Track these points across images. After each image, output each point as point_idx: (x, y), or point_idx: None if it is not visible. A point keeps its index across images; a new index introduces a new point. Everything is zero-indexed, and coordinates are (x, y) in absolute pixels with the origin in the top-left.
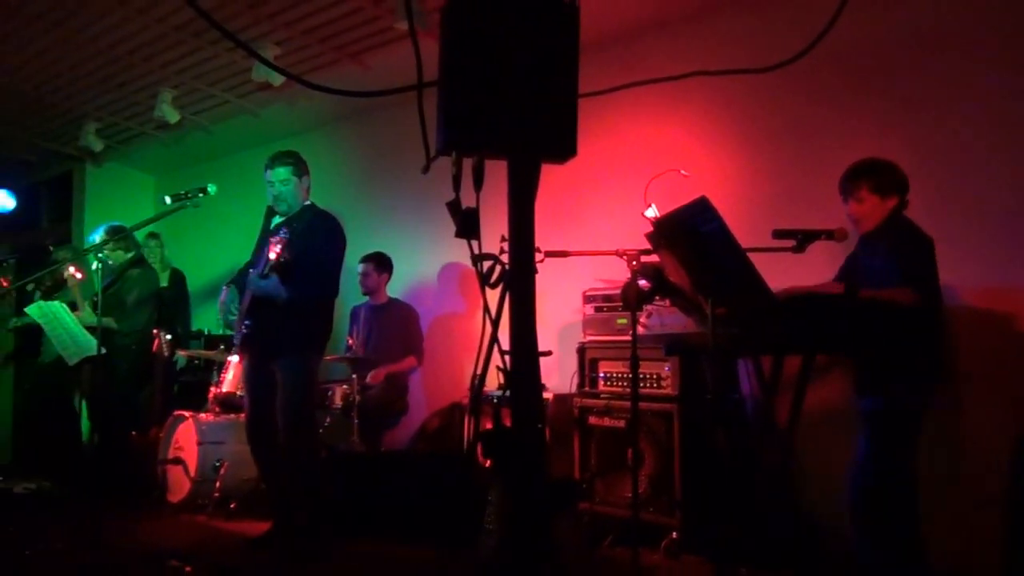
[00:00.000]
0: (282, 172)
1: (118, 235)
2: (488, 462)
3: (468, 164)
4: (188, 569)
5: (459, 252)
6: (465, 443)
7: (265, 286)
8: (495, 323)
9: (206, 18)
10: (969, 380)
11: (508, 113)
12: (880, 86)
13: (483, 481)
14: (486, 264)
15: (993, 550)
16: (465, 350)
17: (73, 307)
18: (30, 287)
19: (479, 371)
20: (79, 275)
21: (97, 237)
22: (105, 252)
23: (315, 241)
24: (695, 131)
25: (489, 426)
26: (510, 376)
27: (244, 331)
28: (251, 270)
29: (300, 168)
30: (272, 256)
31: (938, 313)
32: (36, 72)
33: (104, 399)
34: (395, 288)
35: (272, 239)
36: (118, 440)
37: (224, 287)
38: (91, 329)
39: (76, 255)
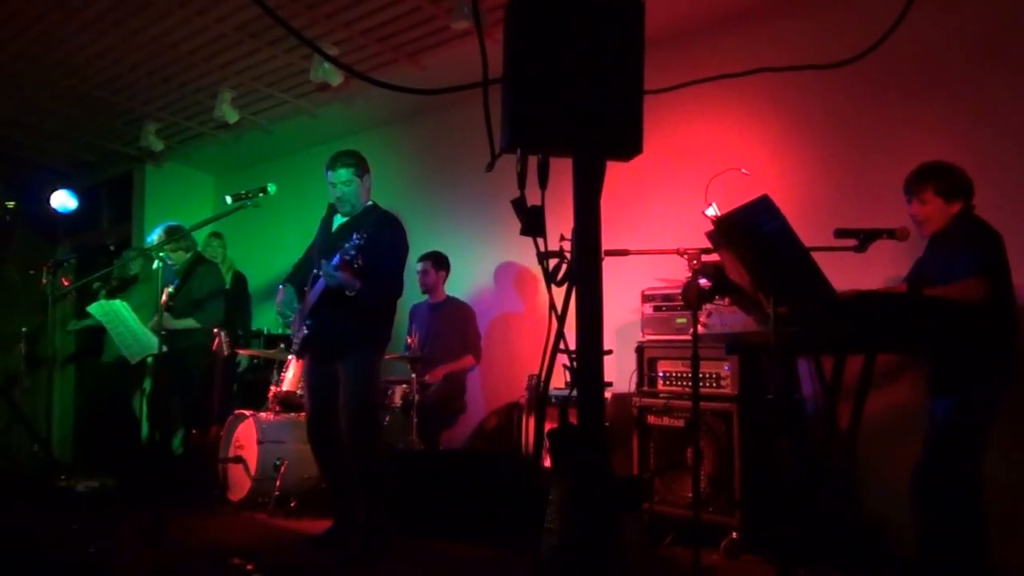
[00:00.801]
0: (344, 173)
1: (176, 235)
2: (549, 461)
3: (532, 162)
4: (250, 567)
5: (517, 251)
6: (524, 442)
7: (340, 277)
8: (560, 321)
9: (272, 15)
10: None
11: (573, 111)
12: (941, 87)
13: (544, 480)
14: (551, 262)
15: None
16: (523, 350)
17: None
18: (96, 285)
19: (545, 369)
20: (66, 283)
21: (155, 237)
22: (166, 252)
23: (383, 245)
24: (756, 130)
25: (552, 425)
26: (577, 374)
27: (306, 331)
28: (323, 261)
29: (361, 168)
30: (346, 258)
31: (1011, 310)
32: (97, 72)
33: (180, 397)
34: (453, 288)
35: (347, 244)
36: (184, 438)
37: (280, 287)
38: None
39: (143, 255)
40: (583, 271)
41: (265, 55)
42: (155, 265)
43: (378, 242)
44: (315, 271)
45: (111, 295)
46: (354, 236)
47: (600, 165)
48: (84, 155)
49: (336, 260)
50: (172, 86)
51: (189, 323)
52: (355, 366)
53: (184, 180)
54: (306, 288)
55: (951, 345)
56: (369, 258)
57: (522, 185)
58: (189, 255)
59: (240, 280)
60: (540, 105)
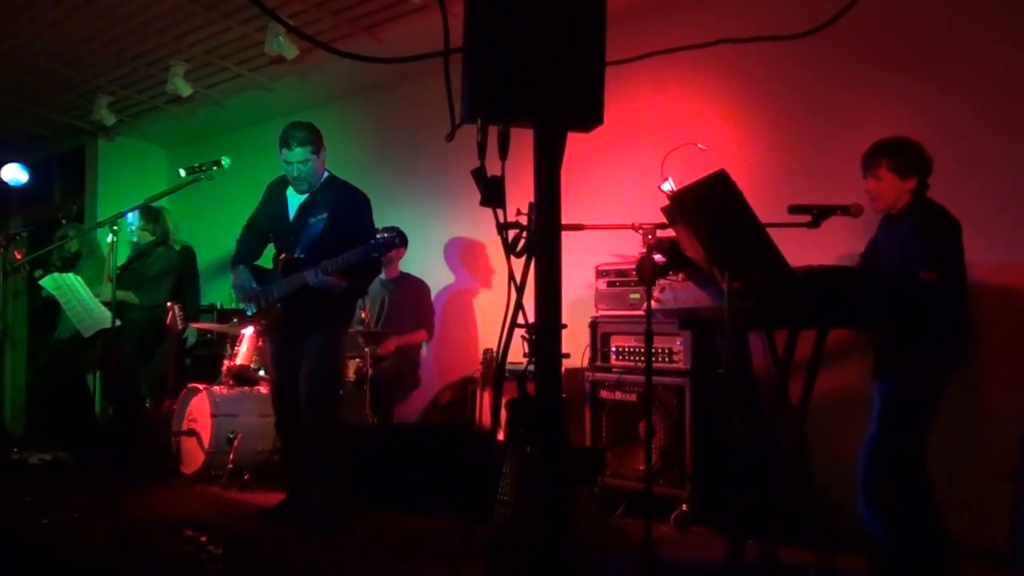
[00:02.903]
0: (300, 153)
1: (150, 218)
2: (503, 435)
3: (492, 133)
4: (203, 539)
5: (470, 227)
6: (478, 416)
7: (329, 283)
8: (520, 291)
9: None
10: (985, 357)
11: (534, 80)
12: (901, 62)
13: (499, 453)
14: (511, 233)
15: (1007, 523)
16: (477, 324)
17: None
18: (37, 273)
19: (504, 339)
20: (19, 256)
21: (130, 216)
22: (133, 231)
23: (360, 236)
24: (714, 104)
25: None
26: (535, 345)
27: (280, 313)
28: (310, 271)
29: (317, 143)
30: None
31: (961, 295)
32: (49, 45)
33: (116, 372)
34: (409, 263)
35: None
36: (129, 412)
37: (233, 270)
38: (107, 303)
39: (80, 232)
40: (543, 242)
41: (219, 27)
42: (108, 239)
43: (356, 234)
44: (286, 256)
45: (61, 271)
46: (315, 218)
47: (561, 135)
48: (36, 128)
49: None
50: (124, 59)
51: (128, 296)
52: (321, 341)
53: (137, 154)
54: (278, 274)
55: (901, 322)
56: (338, 235)
57: (482, 155)
58: (154, 239)
59: (188, 254)
60: (501, 74)
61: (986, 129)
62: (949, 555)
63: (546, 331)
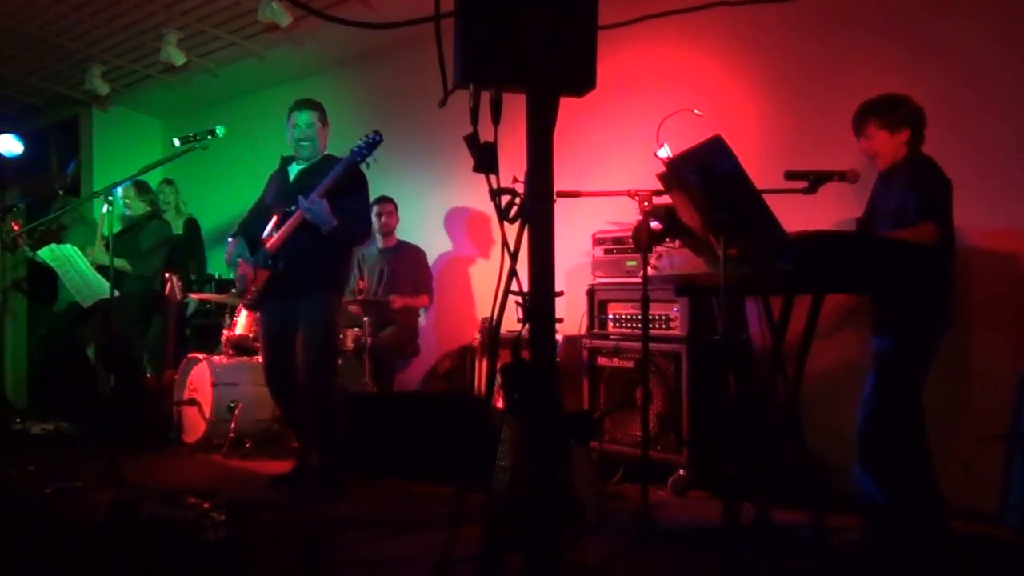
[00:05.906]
0: (308, 116)
1: (142, 190)
2: (501, 402)
3: (485, 98)
4: (206, 505)
5: (466, 195)
6: (477, 384)
7: (320, 209)
8: (513, 257)
9: None
10: (976, 319)
11: (527, 45)
12: (896, 25)
13: (497, 420)
14: (504, 199)
15: (996, 483)
16: (475, 293)
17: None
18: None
19: (497, 304)
20: (15, 227)
21: (120, 190)
22: (126, 202)
23: (353, 187)
24: (710, 69)
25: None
26: (529, 308)
27: (270, 270)
28: (299, 197)
29: (324, 115)
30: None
31: (951, 255)
32: (40, 13)
33: (115, 342)
34: (406, 232)
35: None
36: (129, 382)
37: (230, 239)
38: (102, 270)
39: (69, 205)
40: (536, 207)
41: None
42: (104, 208)
43: (347, 187)
44: (286, 209)
45: (38, 244)
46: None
47: (553, 100)
48: (29, 98)
49: (313, 194)
50: (116, 27)
51: (123, 264)
52: (314, 307)
53: (131, 124)
54: (272, 232)
55: (896, 285)
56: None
57: (475, 121)
58: (148, 209)
59: (192, 225)
60: (493, 39)
61: (979, 93)
62: (942, 516)
63: (539, 296)
